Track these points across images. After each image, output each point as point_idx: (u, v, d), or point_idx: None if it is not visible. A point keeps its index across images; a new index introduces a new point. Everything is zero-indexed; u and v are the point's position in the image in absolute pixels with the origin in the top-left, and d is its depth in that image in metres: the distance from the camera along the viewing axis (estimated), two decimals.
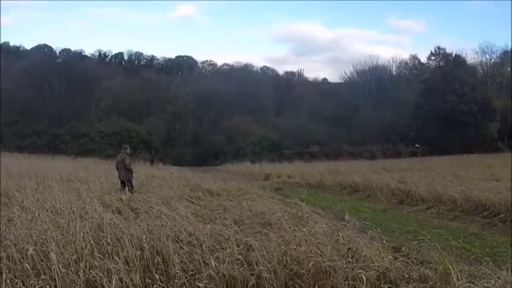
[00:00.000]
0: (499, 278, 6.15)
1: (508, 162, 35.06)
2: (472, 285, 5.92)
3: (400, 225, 12.64)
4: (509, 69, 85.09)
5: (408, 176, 24.61)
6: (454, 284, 5.84)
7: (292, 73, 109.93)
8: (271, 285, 5.85)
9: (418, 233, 10.72)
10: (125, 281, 5.73)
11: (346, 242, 7.33)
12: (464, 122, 67.76)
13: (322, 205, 16.59)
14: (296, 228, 8.45)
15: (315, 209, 13.02)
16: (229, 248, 6.88)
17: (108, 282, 5.59)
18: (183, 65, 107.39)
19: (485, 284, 6.00)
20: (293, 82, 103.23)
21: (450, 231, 11.44)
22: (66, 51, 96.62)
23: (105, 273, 5.87)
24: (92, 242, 6.97)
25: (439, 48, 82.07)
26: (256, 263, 6.30)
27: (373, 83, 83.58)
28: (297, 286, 6.01)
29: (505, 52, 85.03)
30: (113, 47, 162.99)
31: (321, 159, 56.01)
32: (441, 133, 67.61)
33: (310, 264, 6.09)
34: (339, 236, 7.71)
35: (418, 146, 67.18)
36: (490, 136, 72.27)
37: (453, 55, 79.08)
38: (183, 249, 7.04)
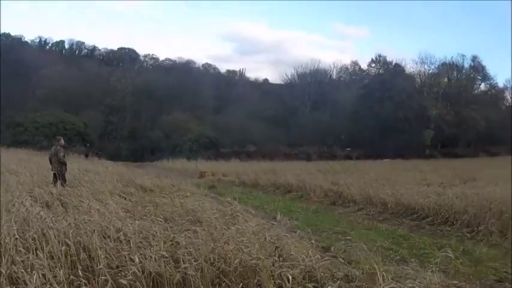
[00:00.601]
0: (424, 279, 6.31)
1: (439, 168, 36.13)
2: (397, 285, 6.04)
3: (331, 225, 12.82)
4: (446, 79, 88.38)
5: (342, 178, 24.86)
6: (380, 284, 5.96)
7: (234, 72, 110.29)
8: (197, 282, 5.82)
9: (347, 233, 10.94)
10: (48, 278, 5.59)
11: (274, 241, 7.38)
12: (400, 128, 69.45)
13: (255, 204, 16.62)
14: (225, 227, 8.48)
15: (248, 207, 12.96)
16: (156, 245, 6.82)
17: (30, 279, 5.44)
18: (124, 57, 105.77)
19: (410, 284, 6.12)
20: (234, 81, 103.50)
21: (379, 233, 11.77)
22: (5, 36, 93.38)
23: (28, 269, 5.72)
24: (17, 236, 6.79)
25: (379, 56, 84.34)
26: (183, 260, 6.26)
27: (313, 86, 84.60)
28: (223, 284, 6.02)
29: (443, 63, 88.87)
30: (54, 35, 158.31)
31: (257, 158, 56.49)
32: (377, 138, 69.14)
33: (236, 262, 6.11)
34: (268, 234, 7.75)
35: (349, 149, 68.40)
36: (424, 143, 74.28)
37: (393, 63, 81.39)
38: (110, 245, 6.92)
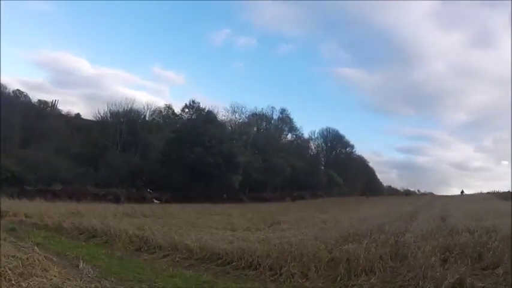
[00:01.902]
0: None
1: (247, 212, 37.27)
2: None
3: (135, 273, 12.42)
4: (255, 128, 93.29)
5: (149, 222, 24.71)
6: None
7: (46, 103, 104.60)
8: None
9: (152, 281, 10.78)
10: None
11: None
12: (209, 173, 70.73)
13: (57, 250, 15.71)
14: (21, 278, 7.98)
15: (49, 254, 12.32)
16: None
17: None
18: None
19: None
20: (45, 112, 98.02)
21: (184, 280, 11.73)
22: None
23: None
24: None
25: (193, 102, 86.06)
26: None
27: (125, 125, 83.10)
28: None
29: (254, 114, 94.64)
30: None
31: (64, 199, 53.49)
32: (186, 181, 69.65)
33: None
34: None
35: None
36: (233, 187, 76.56)
37: (206, 110, 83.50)
38: None
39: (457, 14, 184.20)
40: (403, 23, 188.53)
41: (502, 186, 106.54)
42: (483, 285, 10.70)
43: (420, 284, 10.92)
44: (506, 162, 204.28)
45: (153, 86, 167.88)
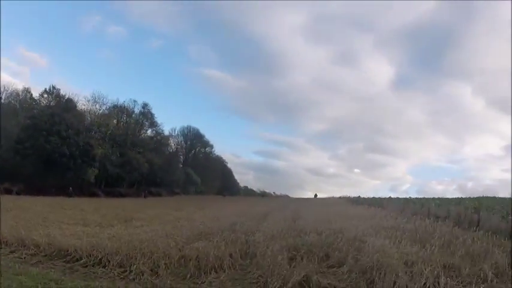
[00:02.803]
0: None
1: (101, 207, 36.58)
2: None
3: None
4: (115, 121, 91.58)
5: None
6: None
7: None
8: None
9: None
10: None
11: None
12: (64, 164, 68.67)
13: None
14: None
15: None
16: None
17: None
18: None
19: None
20: None
21: (31, 277, 11.39)
22: None
23: None
24: None
25: (54, 87, 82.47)
26: None
27: None
28: None
29: (115, 106, 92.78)
30: None
31: None
32: (40, 172, 67.01)
33: None
34: None
35: None
36: (88, 181, 74.52)
37: (66, 97, 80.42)
38: None
39: (326, 32, 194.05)
40: (272, 34, 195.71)
41: (353, 192, 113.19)
42: (328, 282, 11.53)
43: (268, 281, 11.53)
44: (357, 170, 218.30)
45: (12, 66, 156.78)
